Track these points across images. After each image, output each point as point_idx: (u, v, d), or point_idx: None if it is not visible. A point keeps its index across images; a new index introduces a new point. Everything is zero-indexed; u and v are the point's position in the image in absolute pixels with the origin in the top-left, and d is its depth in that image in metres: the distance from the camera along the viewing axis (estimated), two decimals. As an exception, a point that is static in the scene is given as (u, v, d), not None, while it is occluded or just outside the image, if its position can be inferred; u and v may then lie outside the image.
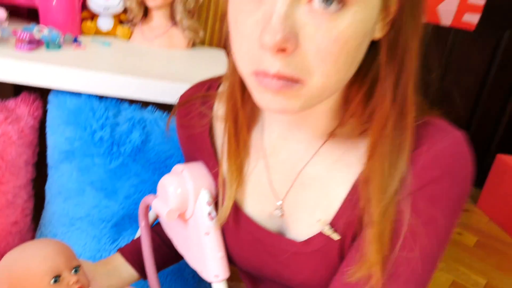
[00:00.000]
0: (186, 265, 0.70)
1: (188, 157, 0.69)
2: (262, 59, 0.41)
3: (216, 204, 0.62)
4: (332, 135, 0.53)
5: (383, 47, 0.45)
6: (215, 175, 0.62)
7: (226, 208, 0.58)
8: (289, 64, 0.40)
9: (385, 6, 0.42)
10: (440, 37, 2.06)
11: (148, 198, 0.66)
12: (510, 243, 1.83)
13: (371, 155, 0.48)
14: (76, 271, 0.61)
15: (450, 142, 0.48)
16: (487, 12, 1.99)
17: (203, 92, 0.64)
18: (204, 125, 0.63)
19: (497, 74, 2.16)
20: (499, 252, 1.76)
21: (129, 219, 0.93)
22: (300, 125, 0.54)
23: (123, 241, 0.94)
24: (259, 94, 0.44)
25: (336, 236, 0.52)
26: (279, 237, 0.57)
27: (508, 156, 2.02)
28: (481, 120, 2.23)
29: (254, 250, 0.59)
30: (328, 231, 0.52)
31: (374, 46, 0.45)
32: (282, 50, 0.39)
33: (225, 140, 0.59)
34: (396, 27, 0.44)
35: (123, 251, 0.74)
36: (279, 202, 0.57)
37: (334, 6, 0.38)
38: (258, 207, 0.59)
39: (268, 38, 0.38)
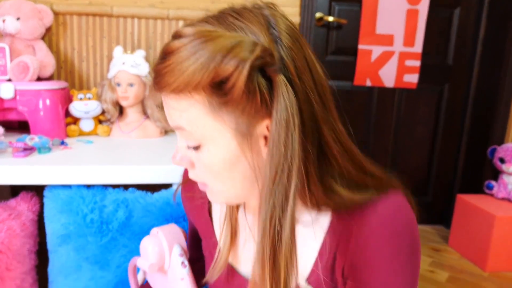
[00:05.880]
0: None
1: (190, 221, 0.87)
2: None
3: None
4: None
5: None
6: (214, 243, 0.77)
7: (219, 268, 0.73)
8: (193, 173, 0.62)
9: (247, 136, 0.56)
10: (386, 97, 2.28)
11: (134, 259, 0.81)
12: (483, 276, 1.91)
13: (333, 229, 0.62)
14: None
15: (394, 202, 0.60)
16: (424, 71, 2.22)
17: None
18: (204, 197, 0.78)
19: (446, 122, 2.37)
20: (472, 285, 1.83)
21: (122, 285, 1.05)
22: None
23: (118, 307, 1.06)
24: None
25: None
26: None
27: (467, 195, 2.19)
28: (440, 165, 2.42)
29: None
30: (304, 285, 0.65)
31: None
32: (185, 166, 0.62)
33: (221, 218, 0.75)
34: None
35: None
36: None
37: (192, 148, 0.58)
38: (250, 267, 0.70)
39: (172, 160, 0.62)
